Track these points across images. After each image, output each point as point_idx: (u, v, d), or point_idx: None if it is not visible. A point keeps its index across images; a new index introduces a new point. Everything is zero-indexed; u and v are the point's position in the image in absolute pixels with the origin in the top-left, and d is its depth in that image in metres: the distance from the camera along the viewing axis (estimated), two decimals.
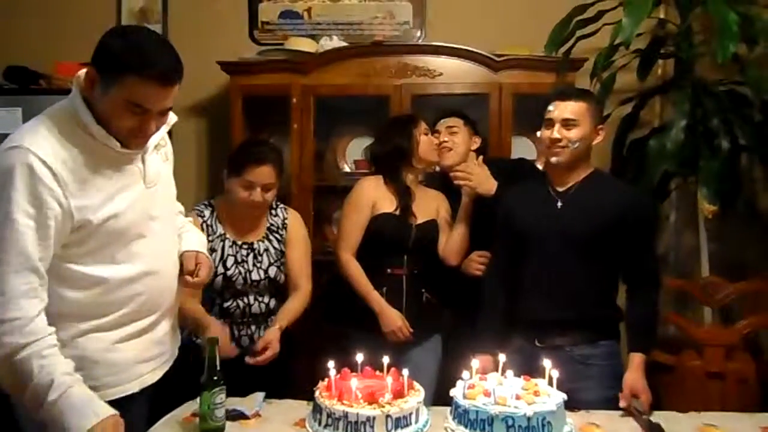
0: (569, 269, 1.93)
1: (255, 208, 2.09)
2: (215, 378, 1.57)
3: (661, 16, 2.87)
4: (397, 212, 2.29)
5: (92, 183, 1.40)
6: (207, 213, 2.12)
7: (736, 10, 2.28)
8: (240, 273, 2.08)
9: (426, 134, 2.39)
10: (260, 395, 1.81)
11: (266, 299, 2.14)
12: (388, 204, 2.31)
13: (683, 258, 3.06)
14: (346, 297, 2.28)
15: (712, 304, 2.51)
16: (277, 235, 2.18)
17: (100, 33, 1.41)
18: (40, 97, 2.70)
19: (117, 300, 1.50)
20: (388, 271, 2.29)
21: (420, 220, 2.32)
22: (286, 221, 2.20)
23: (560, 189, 1.99)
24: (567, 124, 1.93)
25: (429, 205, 2.38)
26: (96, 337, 1.48)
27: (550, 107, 1.97)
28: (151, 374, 1.62)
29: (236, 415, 1.70)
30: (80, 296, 1.44)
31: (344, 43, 2.97)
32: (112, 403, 1.39)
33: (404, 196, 2.31)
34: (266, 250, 2.14)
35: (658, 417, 1.75)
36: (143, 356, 1.59)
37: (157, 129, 1.48)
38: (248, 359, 2.01)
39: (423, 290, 2.33)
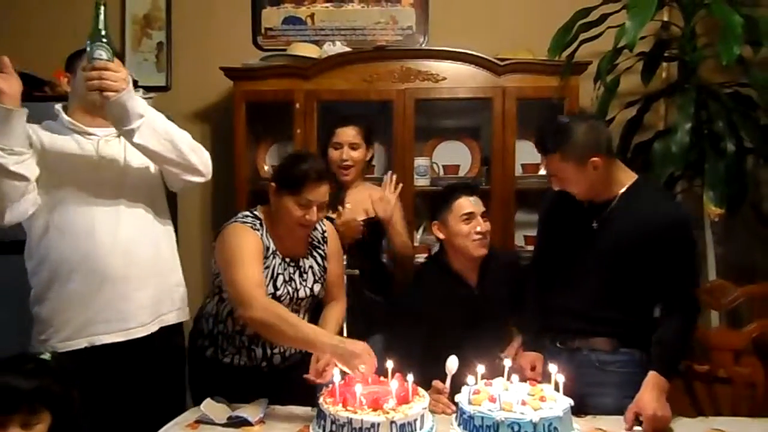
0: (598, 280, 1.89)
1: (307, 227, 1.94)
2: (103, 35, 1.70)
3: (665, 18, 2.86)
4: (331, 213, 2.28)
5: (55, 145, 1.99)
6: (258, 225, 1.94)
7: (740, 12, 2.27)
8: (288, 292, 1.95)
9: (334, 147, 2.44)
10: (264, 401, 1.81)
11: (302, 316, 2.01)
12: None
13: None
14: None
15: (719, 307, 2.48)
16: (319, 251, 2.05)
17: None
18: (45, 104, 2.67)
19: None
20: None
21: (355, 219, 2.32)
22: (325, 234, 2.08)
23: (597, 203, 1.91)
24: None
25: (366, 203, 2.35)
26: None
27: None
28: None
29: (240, 422, 1.70)
30: None
31: (347, 49, 2.97)
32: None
33: (333, 196, 2.22)
34: (311, 267, 2.01)
35: None
36: None
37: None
38: (309, 377, 1.75)
39: (366, 291, 2.33)
